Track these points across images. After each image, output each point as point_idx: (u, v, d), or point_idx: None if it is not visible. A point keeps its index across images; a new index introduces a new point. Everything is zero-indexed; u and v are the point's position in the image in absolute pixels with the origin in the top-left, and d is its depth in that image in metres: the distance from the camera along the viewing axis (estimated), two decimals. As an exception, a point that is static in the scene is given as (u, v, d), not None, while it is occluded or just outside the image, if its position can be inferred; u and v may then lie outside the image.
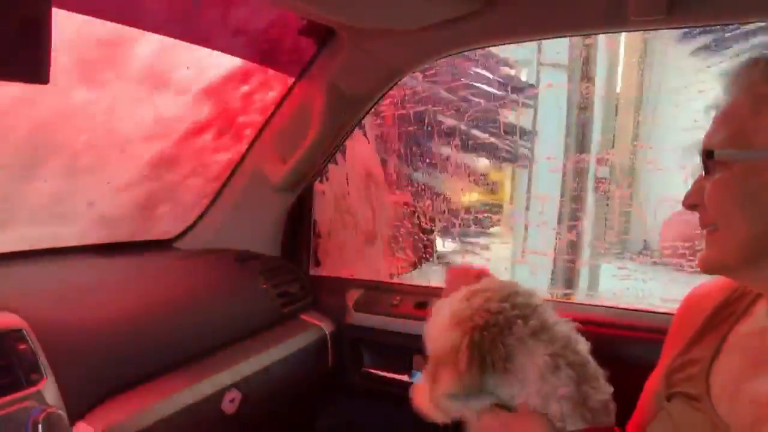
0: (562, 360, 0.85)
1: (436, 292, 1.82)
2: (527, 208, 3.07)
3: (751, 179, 0.80)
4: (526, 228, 2.93)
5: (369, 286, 1.91)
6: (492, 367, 0.84)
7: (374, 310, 1.80)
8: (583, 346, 0.91)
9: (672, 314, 1.06)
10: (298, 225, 2.01)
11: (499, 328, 0.85)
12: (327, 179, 2.10)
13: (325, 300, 1.90)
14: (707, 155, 0.83)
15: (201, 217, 1.97)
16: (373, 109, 1.81)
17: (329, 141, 1.75)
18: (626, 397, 1.04)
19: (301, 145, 1.70)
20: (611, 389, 0.90)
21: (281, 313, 1.72)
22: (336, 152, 1.89)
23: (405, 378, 1.77)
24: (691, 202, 0.87)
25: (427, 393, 0.90)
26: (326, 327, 1.79)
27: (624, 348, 1.43)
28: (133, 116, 1.64)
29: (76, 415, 1.08)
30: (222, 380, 1.36)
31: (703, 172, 0.85)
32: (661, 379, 0.96)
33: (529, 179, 3.23)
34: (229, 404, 1.36)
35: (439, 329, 0.91)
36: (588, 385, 0.86)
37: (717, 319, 0.94)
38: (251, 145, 1.84)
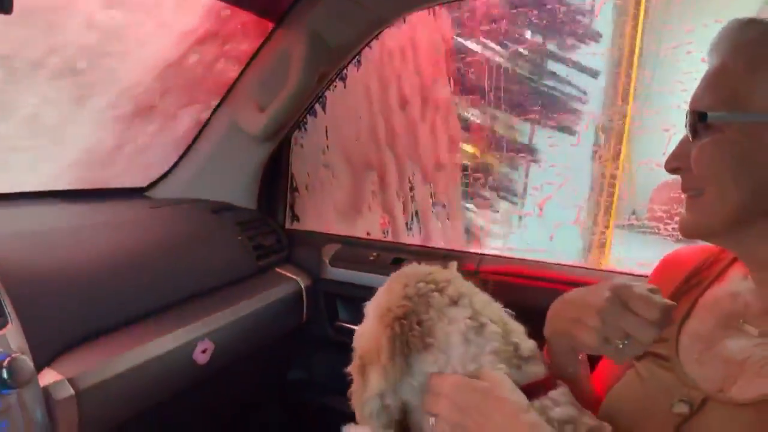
0: (485, 317, 0.85)
1: (412, 249, 1.83)
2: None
3: (744, 142, 0.78)
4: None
5: (346, 242, 1.90)
6: (413, 347, 0.83)
7: (350, 265, 1.79)
8: (501, 310, 0.90)
9: (646, 276, 1.06)
10: (275, 177, 1.98)
11: (416, 309, 0.85)
12: (305, 131, 2.06)
13: (301, 254, 1.89)
14: (700, 117, 0.80)
15: (175, 166, 1.92)
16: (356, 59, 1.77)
17: (309, 90, 1.70)
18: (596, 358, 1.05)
19: (280, 94, 1.65)
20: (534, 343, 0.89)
21: (256, 265, 1.70)
22: (316, 102, 1.85)
23: (379, 333, 1.77)
24: (674, 166, 0.85)
25: (358, 399, 0.88)
26: (302, 281, 1.77)
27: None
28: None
29: (42, 362, 1.06)
30: (194, 330, 1.34)
31: (689, 135, 0.83)
32: None
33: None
34: (201, 354, 1.34)
35: (362, 329, 0.91)
36: (514, 336, 0.86)
37: (689, 284, 0.95)
38: (228, 92, 1.79)
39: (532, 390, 0.81)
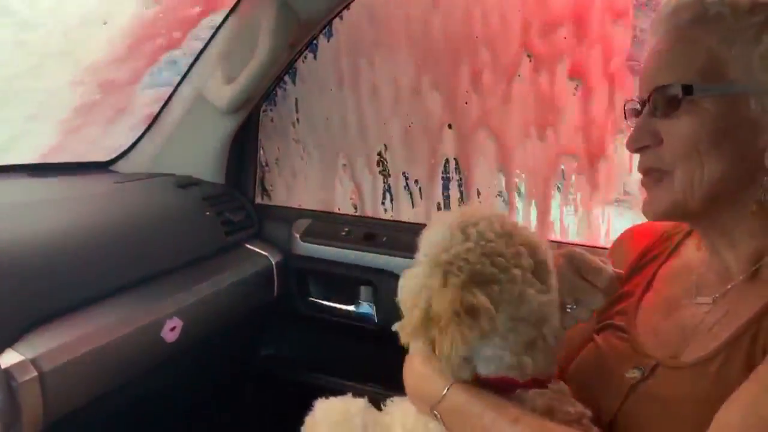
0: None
1: (384, 224, 1.82)
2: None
3: (725, 115, 0.78)
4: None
5: (317, 216, 1.88)
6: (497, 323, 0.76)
7: (322, 240, 1.78)
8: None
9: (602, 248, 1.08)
10: (244, 151, 1.94)
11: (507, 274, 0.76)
12: (275, 104, 2.03)
13: (271, 229, 1.86)
14: (686, 91, 0.78)
15: (140, 139, 1.87)
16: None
17: (278, 62, 1.66)
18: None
19: (248, 65, 1.61)
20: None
21: (225, 241, 1.67)
22: (285, 74, 1.81)
23: (350, 308, 1.77)
24: (644, 144, 0.83)
25: (439, 361, 0.78)
26: (272, 256, 1.75)
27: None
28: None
29: (3, 343, 1.03)
30: (162, 308, 1.32)
31: (657, 110, 0.81)
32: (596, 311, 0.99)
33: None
34: (170, 332, 1.32)
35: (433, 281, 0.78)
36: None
37: (646, 259, 0.98)
38: (194, 63, 1.74)
39: (531, 383, 0.81)
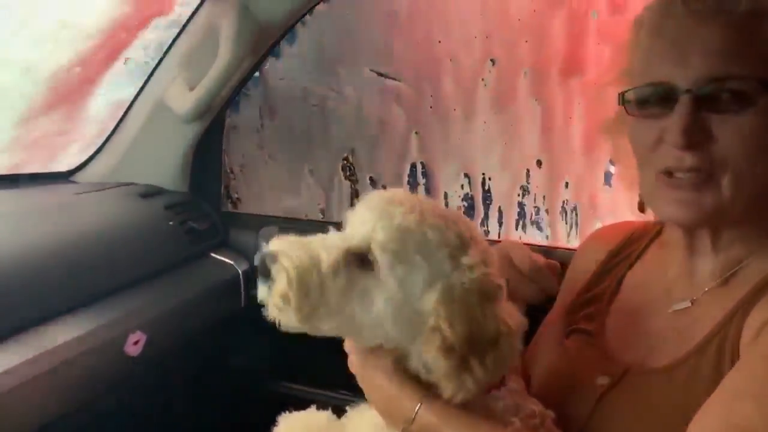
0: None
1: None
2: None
3: None
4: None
5: (284, 223, 1.85)
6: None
7: (289, 247, 1.75)
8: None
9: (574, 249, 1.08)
10: (208, 159, 1.91)
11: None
12: (239, 111, 2.00)
13: (237, 237, 1.83)
14: (764, 86, 0.72)
15: (101, 148, 1.83)
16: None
17: (240, 68, 1.64)
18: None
19: (209, 72, 1.58)
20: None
21: (190, 251, 1.64)
22: (248, 80, 1.79)
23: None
24: (698, 140, 0.75)
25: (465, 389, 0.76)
26: (238, 265, 1.72)
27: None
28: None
29: (-43, 363, 0.99)
30: (124, 321, 1.29)
31: (710, 104, 0.74)
32: (561, 317, 1.00)
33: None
34: (133, 346, 1.29)
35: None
36: None
37: (614, 261, 0.97)
38: (154, 70, 1.71)
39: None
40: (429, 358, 0.75)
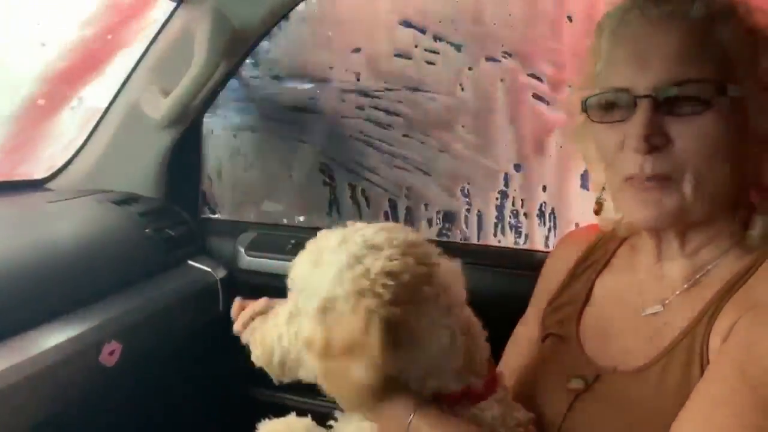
0: (457, 328, 0.78)
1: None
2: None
3: (737, 118, 0.75)
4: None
5: (263, 229, 1.84)
6: (408, 343, 0.74)
7: (268, 253, 1.74)
8: (466, 305, 0.83)
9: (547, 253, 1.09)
10: (185, 165, 1.89)
11: (406, 297, 0.73)
12: (216, 115, 1.99)
13: (215, 244, 1.81)
14: (718, 90, 0.73)
15: (75, 155, 1.81)
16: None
17: (215, 73, 1.62)
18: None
19: (184, 77, 1.57)
20: (488, 346, 0.84)
21: (166, 258, 1.62)
22: (225, 85, 1.78)
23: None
24: (658, 143, 0.75)
25: (343, 386, 0.76)
26: (216, 272, 1.70)
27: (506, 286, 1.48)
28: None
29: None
30: (99, 332, 1.26)
31: (667, 108, 0.75)
32: (534, 322, 1.01)
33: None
34: (109, 356, 1.27)
35: (330, 300, 0.75)
36: (475, 350, 0.80)
37: (585, 265, 0.98)
38: (129, 76, 1.69)
39: (465, 397, 0.79)
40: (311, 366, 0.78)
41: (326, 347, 0.73)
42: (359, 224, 0.81)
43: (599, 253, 0.97)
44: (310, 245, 0.81)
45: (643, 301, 0.86)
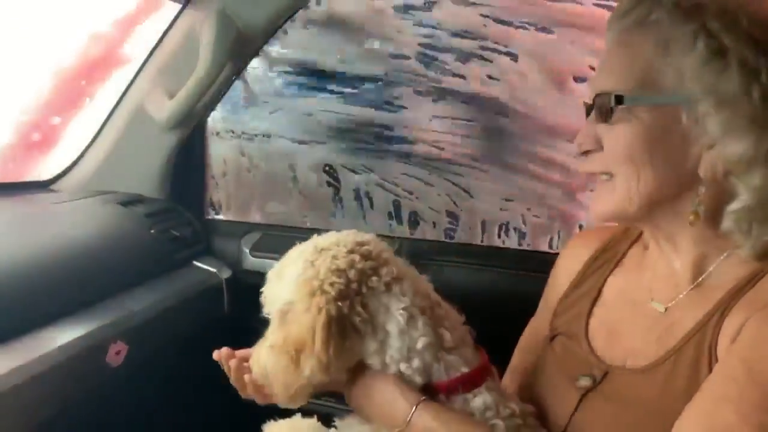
0: (416, 309, 0.82)
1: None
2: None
3: (659, 124, 0.78)
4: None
5: (267, 230, 1.85)
6: (350, 334, 0.80)
7: (273, 254, 1.73)
8: (431, 290, 0.89)
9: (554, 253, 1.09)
10: (190, 166, 1.90)
11: (354, 288, 0.80)
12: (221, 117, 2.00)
13: (220, 245, 1.82)
14: (617, 100, 0.78)
15: (81, 157, 1.82)
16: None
17: (221, 76, 1.63)
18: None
19: (189, 79, 1.58)
20: (462, 317, 0.89)
21: (171, 259, 1.63)
22: (229, 86, 1.79)
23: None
24: (587, 148, 0.84)
25: (287, 382, 0.82)
26: (221, 273, 1.71)
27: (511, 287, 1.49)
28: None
29: (-67, 377, 0.98)
30: (105, 332, 1.27)
31: (598, 117, 0.81)
32: (545, 321, 1.01)
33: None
34: (115, 356, 1.27)
35: (288, 304, 0.84)
36: (442, 326, 0.84)
37: (595, 265, 0.98)
38: (134, 78, 1.70)
39: (454, 386, 0.82)
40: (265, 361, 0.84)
41: (283, 346, 0.80)
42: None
43: (611, 253, 0.98)
44: (277, 264, 0.90)
45: (651, 300, 0.87)
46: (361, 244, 0.85)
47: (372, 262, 0.83)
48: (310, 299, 0.79)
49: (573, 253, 1.04)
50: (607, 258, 0.97)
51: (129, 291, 1.43)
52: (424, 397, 0.81)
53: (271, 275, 0.90)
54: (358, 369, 0.86)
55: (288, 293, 0.83)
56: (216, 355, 1.00)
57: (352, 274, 0.81)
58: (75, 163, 1.83)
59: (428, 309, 0.84)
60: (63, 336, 1.19)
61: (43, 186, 1.82)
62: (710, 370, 0.75)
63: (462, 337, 0.86)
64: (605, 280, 0.95)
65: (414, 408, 0.80)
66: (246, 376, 0.93)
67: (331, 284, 0.79)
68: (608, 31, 0.84)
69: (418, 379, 0.82)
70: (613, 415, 0.81)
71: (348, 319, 0.79)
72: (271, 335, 0.85)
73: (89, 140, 1.81)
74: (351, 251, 0.82)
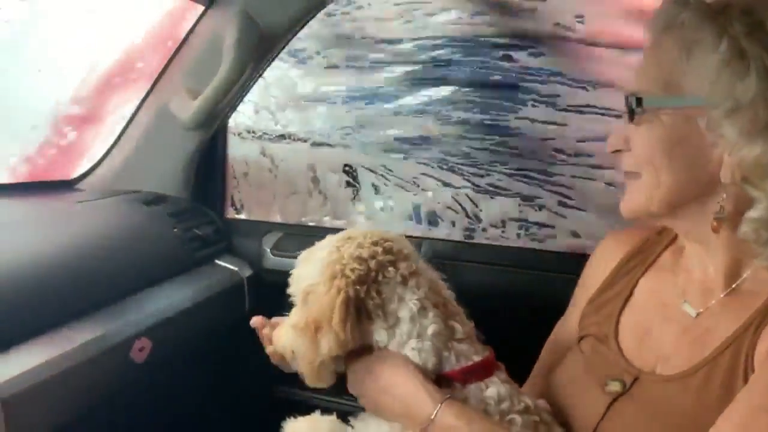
0: (428, 302, 0.87)
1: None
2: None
3: (679, 127, 0.79)
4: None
5: (288, 230, 1.86)
6: (368, 317, 0.86)
7: (293, 254, 1.74)
8: (445, 289, 0.94)
9: (584, 256, 1.08)
10: (212, 166, 1.92)
11: (372, 276, 0.87)
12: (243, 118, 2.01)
13: (241, 244, 1.84)
14: (637, 102, 0.79)
15: (105, 156, 1.85)
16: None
17: (243, 76, 1.65)
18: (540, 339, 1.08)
19: (212, 80, 1.60)
20: (472, 323, 0.92)
21: (194, 257, 1.65)
22: (251, 87, 1.80)
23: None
24: (615, 149, 0.86)
25: (308, 358, 0.88)
26: (243, 271, 1.73)
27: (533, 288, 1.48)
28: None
29: (-34, 370, 1.00)
30: (130, 328, 1.29)
31: (627, 118, 0.83)
32: (574, 321, 1.01)
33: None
34: (139, 353, 1.29)
35: (302, 274, 0.92)
36: (453, 320, 0.88)
37: (629, 266, 0.97)
38: (158, 79, 1.72)
39: (467, 374, 0.84)
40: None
41: (305, 326, 0.86)
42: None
43: (645, 254, 0.97)
44: (309, 249, 0.95)
45: (683, 303, 0.86)
46: (386, 239, 0.90)
47: (391, 256, 0.89)
48: (332, 281, 0.85)
49: (604, 254, 1.03)
50: (640, 260, 0.96)
51: (152, 289, 1.46)
52: (449, 396, 0.81)
53: (301, 258, 0.95)
54: (377, 364, 0.87)
55: (313, 275, 0.89)
56: (252, 322, 1.05)
57: (372, 263, 0.87)
58: (99, 163, 1.85)
59: (441, 305, 0.89)
60: (88, 333, 1.21)
61: (69, 185, 1.85)
62: (746, 381, 0.73)
63: (470, 332, 0.90)
64: (637, 282, 0.94)
65: (440, 405, 0.80)
66: (269, 348, 0.97)
67: (352, 270, 0.85)
68: (646, 33, 0.84)
69: (430, 366, 0.85)
70: (643, 423, 0.80)
71: (363, 302, 0.85)
72: (294, 315, 0.91)
73: (113, 140, 1.84)
74: (375, 243, 0.89)
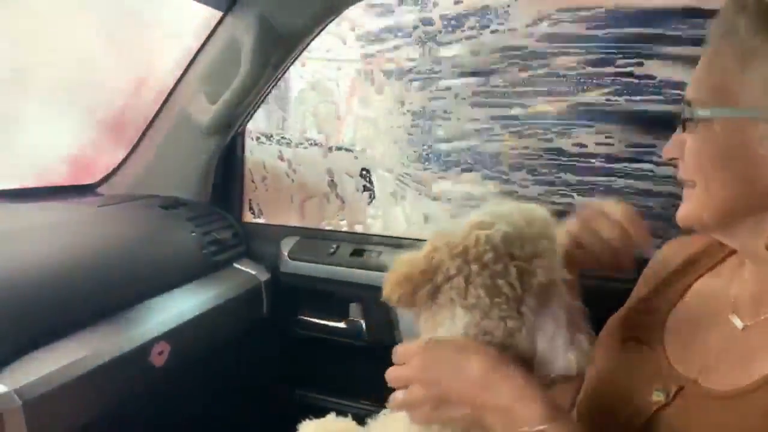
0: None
1: (372, 240, 1.81)
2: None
3: (731, 139, 0.76)
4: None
5: (304, 234, 1.87)
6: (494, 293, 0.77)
7: (310, 257, 1.76)
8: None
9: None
10: (230, 170, 1.93)
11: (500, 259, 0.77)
12: (261, 122, 2.02)
13: (259, 248, 1.85)
14: (689, 110, 0.78)
15: (125, 161, 1.87)
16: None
17: (260, 81, 1.66)
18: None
19: (230, 85, 1.61)
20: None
21: (212, 261, 1.66)
22: (269, 93, 1.81)
23: (341, 325, 1.76)
24: (671, 156, 0.84)
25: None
26: (260, 275, 1.74)
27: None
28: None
29: (-13, 373, 1.01)
30: (149, 332, 1.29)
31: (681, 127, 0.80)
32: (620, 322, 0.97)
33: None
34: (158, 356, 1.30)
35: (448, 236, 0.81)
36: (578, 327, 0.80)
37: (684, 272, 0.95)
38: (176, 84, 1.74)
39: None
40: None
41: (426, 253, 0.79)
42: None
43: (704, 260, 0.94)
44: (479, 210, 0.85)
45: (734, 314, 0.83)
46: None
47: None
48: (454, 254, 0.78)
49: (664, 257, 1.01)
50: (699, 264, 0.94)
51: (171, 292, 1.46)
52: (557, 416, 0.72)
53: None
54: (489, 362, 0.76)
55: (454, 230, 0.81)
56: None
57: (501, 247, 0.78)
58: (119, 167, 1.87)
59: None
60: (107, 336, 1.22)
61: (88, 189, 1.87)
62: None
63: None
64: (690, 285, 0.92)
65: (544, 428, 0.70)
66: None
67: (485, 251, 0.77)
68: (707, 38, 0.81)
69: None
70: None
71: (500, 276, 0.76)
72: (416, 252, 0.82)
73: (133, 145, 1.86)
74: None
